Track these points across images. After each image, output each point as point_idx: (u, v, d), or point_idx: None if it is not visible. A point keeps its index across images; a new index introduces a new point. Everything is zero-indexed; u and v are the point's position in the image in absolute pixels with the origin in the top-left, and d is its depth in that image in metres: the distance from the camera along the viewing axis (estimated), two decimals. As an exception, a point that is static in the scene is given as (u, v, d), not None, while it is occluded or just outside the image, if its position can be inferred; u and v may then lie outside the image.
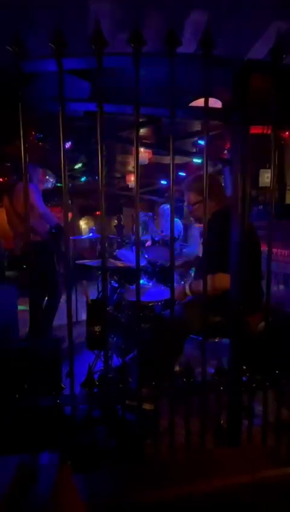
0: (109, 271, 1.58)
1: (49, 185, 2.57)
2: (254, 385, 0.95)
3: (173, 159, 0.88)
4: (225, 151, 3.69)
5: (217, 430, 0.96)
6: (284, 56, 0.89)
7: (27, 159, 0.84)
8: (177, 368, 1.59)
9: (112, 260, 1.59)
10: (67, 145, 3.88)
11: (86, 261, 1.58)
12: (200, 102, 2.73)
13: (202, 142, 3.66)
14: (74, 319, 3.33)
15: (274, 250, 2.24)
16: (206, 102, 0.88)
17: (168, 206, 4.23)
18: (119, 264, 1.69)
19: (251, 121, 0.86)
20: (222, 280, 1.22)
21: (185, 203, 1.58)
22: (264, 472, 0.76)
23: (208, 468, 0.79)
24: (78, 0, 0.86)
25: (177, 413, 0.92)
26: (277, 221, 2.46)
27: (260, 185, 3.08)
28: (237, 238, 0.97)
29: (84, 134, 3.24)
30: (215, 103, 2.35)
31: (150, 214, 5.25)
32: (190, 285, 1.42)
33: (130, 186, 6.19)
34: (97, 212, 9.28)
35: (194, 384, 0.94)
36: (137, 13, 0.92)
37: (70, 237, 2.21)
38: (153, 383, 0.93)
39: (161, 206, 4.38)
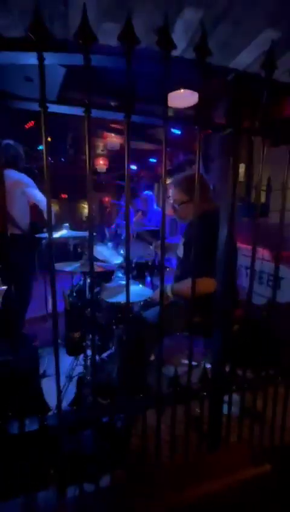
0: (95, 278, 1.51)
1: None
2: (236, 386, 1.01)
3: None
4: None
5: (200, 434, 1.02)
6: (275, 69, 0.89)
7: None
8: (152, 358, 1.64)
9: (95, 263, 1.52)
10: (31, 123, 3.54)
11: (64, 268, 1.48)
12: (178, 93, 2.64)
13: (176, 131, 3.60)
14: (44, 312, 3.21)
15: (243, 246, 2.36)
16: (199, 112, 0.84)
17: (150, 193, 4.13)
18: (98, 267, 1.63)
19: (244, 132, 0.85)
20: (207, 285, 1.23)
21: (171, 200, 1.54)
22: (243, 472, 0.83)
23: (194, 473, 0.84)
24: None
25: (161, 419, 0.95)
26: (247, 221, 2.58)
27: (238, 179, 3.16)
28: (226, 237, 0.97)
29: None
30: (191, 95, 2.29)
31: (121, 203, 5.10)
32: (171, 287, 1.43)
33: (98, 170, 5.93)
34: (62, 195, 8.81)
35: (179, 393, 0.97)
36: (125, 2, 0.83)
37: (41, 235, 2.07)
38: (141, 395, 0.94)
39: (144, 193, 4.02)
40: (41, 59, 0.68)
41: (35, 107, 0.77)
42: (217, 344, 1.02)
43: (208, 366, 1.67)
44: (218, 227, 1.28)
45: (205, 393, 0.97)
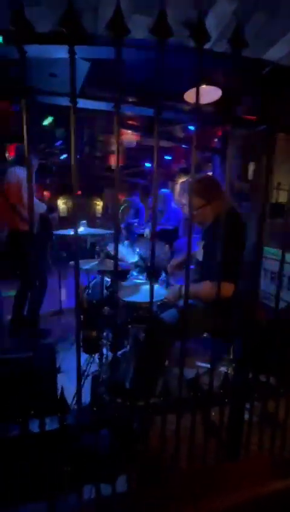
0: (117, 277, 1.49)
1: (36, 167, 2.39)
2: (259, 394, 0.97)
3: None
4: (215, 140, 3.60)
5: (219, 441, 0.99)
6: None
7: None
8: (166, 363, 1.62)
9: (108, 260, 1.51)
10: (48, 120, 3.56)
11: (81, 265, 1.47)
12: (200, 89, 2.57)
13: (192, 128, 3.52)
14: (58, 307, 3.26)
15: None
16: (233, 110, 0.80)
17: (168, 191, 4.06)
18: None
19: (281, 129, 0.81)
20: (225, 290, 1.20)
21: (185, 208, 1.52)
22: (265, 485, 0.79)
23: (211, 482, 0.81)
24: None
25: (179, 424, 0.93)
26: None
27: (249, 178, 3.07)
28: (256, 238, 0.93)
29: (65, 109, 2.98)
30: (215, 91, 2.22)
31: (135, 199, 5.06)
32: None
33: (112, 167, 5.92)
34: (78, 192, 8.87)
35: (199, 398, 0.94)
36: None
37: (56, 232, 2.08)
38: (161, 398, 0.92)
39: (161, 192, 3.86)
40: (72, 53, 0.66)
41: (58, 101, 0.75)
42: (240, 350, 0.99)
43: (224, 369, 1.64)
44: (239, 228, 1.24)
45: (226, 400, 0.94)
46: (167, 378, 0.94)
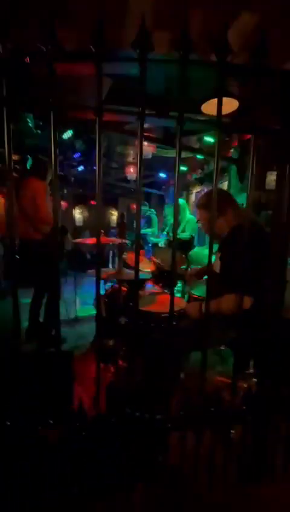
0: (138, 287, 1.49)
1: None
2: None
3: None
4: (231, 150, 3.60)
5: (241, 460, 0.94)
6: None
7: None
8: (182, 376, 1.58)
9: (127, 270, 1.51)
10: (68, 134, 3.70)
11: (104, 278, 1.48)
12: (215, 101, 2.61)
13: (209, 139, 3.56)
14: (72, 316, 3.26)
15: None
16: (257, 117, 0.80)
17: (183, 201, 4.08)
18: (130, 275, 1.62)
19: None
20: (244, 302, 1.17)
21: (201, 222, 1.52)
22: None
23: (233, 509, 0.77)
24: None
25: (199, 440, 0.89)
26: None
27: (267, 187, 3.03)
28: (278, 248, 0.90)
29: (83, 123, 3.09)
30: (231, 103, 2.24)
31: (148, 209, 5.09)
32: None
33: (128, 178, 6.04)
34: (92, 202, 9.09)
35: (220, 413, 0.91)
36: (181, 11, 0.82)
37: (74, 240, 2.12)
38: (181, 412, 0.90)
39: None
40: (99, 69, 0.69)
41: (81, 115, 0.78)
42: (263, 364, 0.95)
43: (244, 384, 1.57)
44: (260, 241, 1.21)
45: (249, 416, 0.90)
46: (185, 392, 0.91)
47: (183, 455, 0.89)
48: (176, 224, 0.82)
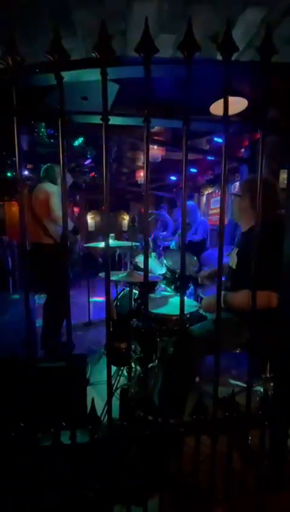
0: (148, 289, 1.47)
1: (69, 184, 2.53)
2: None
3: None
4: (242, 150, 3.55)
5: (260, 468, 0.91)
6: None
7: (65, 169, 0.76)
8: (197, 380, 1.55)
9: (137, 273, 1.51)
10: (79, 141, 3.78)
11: (112, 277, 1.49)
12: (221, 104, 2.60)
13: (218, 140, 3.53)
14: (86, 319, 3.29)
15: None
16: (264, 114, 0.78)
17: (193, 203, 4.07)
18: (142, 278, 1.62)
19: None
20: (268, 299, 1.13)
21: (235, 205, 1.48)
22: None
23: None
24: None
25: (215, 446, 0.86)
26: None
27: (280, 185, 2.96)
28: None
29: (95, 129, 3.16)
30: (240, 102, 2.22)
31: (163, 212, 5.10)
32: (225, 295, 1.32)
33: (139, 182, 6.08)
34: (103, 207, 9.24)
35: (236, 418, 0.88)
36: (184, 11, 0.82)
37: (87, 244, 2.15)
38: (194, 416, 0.88)
39: (187, 204, 4.00)
40: (104, 74, 0.70)
41: (89, 120, 0.80)
42: (282, 367, 0.91)
43: (260, 389, 1.52)
44: (282, 237, 1.16)
45: (266, 423, 0.87)
46: (199, 395, 0.89)
47: (198, 462, 0.87)
48: (185, 226, 0.81)
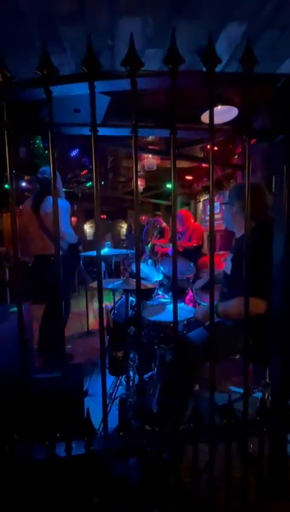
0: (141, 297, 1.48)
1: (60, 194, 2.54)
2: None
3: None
4: (235, 156, 3.61)
5: (260, 476, 0.89)
6: None
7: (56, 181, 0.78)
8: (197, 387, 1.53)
9: (132, 280, 1.51)
10: (75, 152, 3.84)
11: (106, 285, 1.49)
12: (215, 110, 2.66)
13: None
14: (85, 329, 3.26)
15: None
16: (248, 121, 0.81)
17: (186, 210, 4.11)
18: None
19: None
20: (256, 305, 1.14)
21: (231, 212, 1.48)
22: None
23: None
24: (106, 16, 0.80)
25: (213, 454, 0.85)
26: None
27: (273, 190, 3.00)
28: (280, 257, 0.89)
29: (88, 141, 3.21)
30: (230, 111, 2.27)
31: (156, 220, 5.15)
32: (216, 307, 1.33)
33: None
34: (102, 216, 9.28)
35: (234, 425, 0.87)
36: (169, 26, 0.85)
37: (84, 253, 2.16)
38: (191, 424, 0.86)
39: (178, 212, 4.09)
40: (92, 88, 0.73)
41: (83, 132, 0.82)
42: (278, 373, 0.91)
43: (259, 395, 1.50)
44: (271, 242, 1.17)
45: (265, 429, 0.86)
46: (197, 403, 0.88)
47: (197, 471, 0.85)
48: (175, 234, 0.82)
